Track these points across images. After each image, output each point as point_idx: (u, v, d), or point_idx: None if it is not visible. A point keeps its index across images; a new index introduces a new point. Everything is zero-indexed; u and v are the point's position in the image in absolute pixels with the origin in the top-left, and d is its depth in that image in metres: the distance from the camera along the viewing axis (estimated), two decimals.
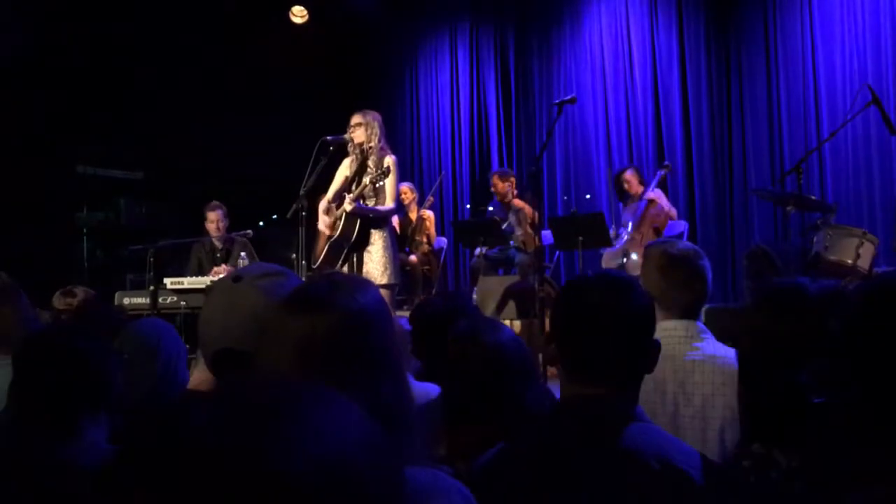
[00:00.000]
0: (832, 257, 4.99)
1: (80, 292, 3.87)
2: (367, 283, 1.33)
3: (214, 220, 6.59)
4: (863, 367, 1.01)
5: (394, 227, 5.38)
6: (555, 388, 2.44)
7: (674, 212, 6.97)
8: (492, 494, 1.40)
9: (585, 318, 1.46)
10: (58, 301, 3.81)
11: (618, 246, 6.82)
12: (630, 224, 6.91)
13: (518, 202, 7.31)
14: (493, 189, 7.54)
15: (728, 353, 2.17)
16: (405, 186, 7.99)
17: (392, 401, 1.20)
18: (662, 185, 7.19)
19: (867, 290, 1.08)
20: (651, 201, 6.86)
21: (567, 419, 1.45)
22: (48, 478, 1.67)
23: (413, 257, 7.94)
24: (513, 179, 7.53)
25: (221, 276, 5.37)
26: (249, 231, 6.72)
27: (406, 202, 8.01)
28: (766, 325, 1.50)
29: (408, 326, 2.86)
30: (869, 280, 1.11)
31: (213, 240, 6.65)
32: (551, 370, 5.87)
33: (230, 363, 1.41)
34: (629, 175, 7.11)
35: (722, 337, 2.37)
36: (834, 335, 1.09)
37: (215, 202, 6.67)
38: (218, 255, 6.65)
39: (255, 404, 0.52)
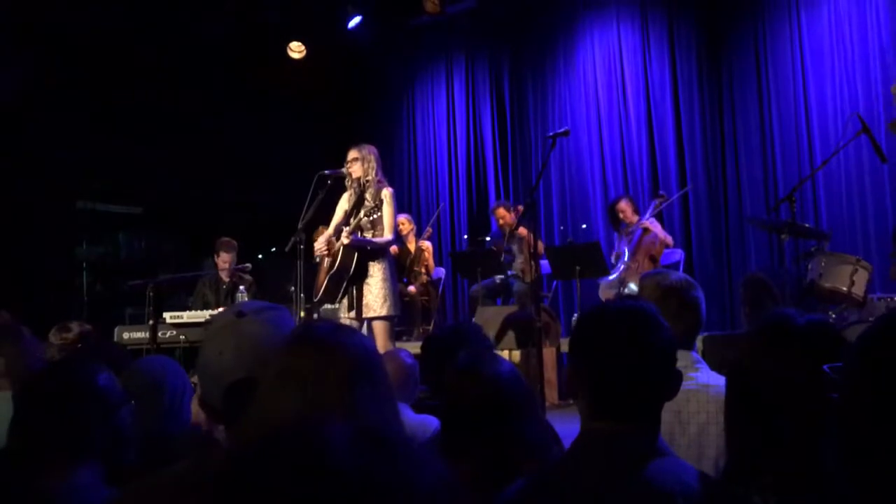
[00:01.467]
0: (827, 284, 5.02)
1: (76, 327, 3.91)
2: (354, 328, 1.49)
3: (227, 261, 6.82)
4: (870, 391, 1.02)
5: (393, 259, 5.41)
6: (553, 419, 2.46)
7: (670, 239, 7.02)
8: None
9: (608, 353, 1.43)
10: (53, 336, 3.85)
11: (614, 275, 6.86)
12: (626, 253, 6.96)
13: (522, 231, 7.36)
14: (501, 221, 7.62)
15: (721, 381, 2.19)
16: (403, 217, 8.05)
17: (386, 424, 1.30)
18: (658, 214, 7.25)
19: (867, 338, 1.09)
20: (645, 229, 6.91)
21: (590, 455, 1.43)
22: None
23: (412, 288, 7.98)
24: (517, 209, 7.64)
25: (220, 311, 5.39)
26: (248, 265, 6.79)
27: (404, 233, 8.07)
28: (752, 358, 1.52)
29: (408, 360, 2.90)
30: (869, 328, 1.10)
31: (221, 274, 6.77)
32: (550, 401, 5.89)
33: (245, 392, 1.46)
34: (623, 204, 7.17)
35: (720, 366, 2.39)
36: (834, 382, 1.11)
37: (232, 242, 6.87)
38: (224, 287, 6.75)
39: (374, 432, 0.60)
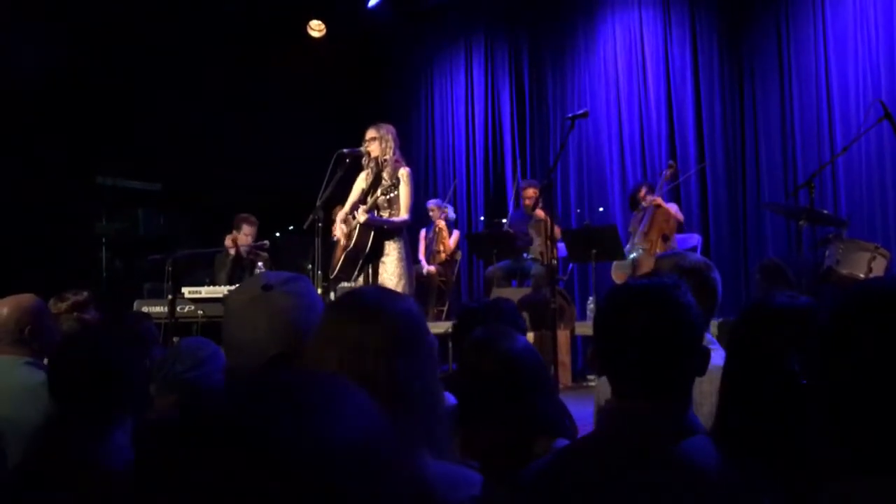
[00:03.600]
0: (844, 271, 5.00)
1: (70, 296, 4.06)
2: (406, 295, 1.52)
3: (249, 234, 6.80)
4: (833, 369, 1.05)
5: (408, 239, 5.44)
6: (566, 401, 2.48)
7: (681, 216, 7.00)
8: None
9: (633, 335, 1.41)
10: (52, 306, 3.99)
11: (629, 257, 6.85)
12: (638, 232, 6.95)
13: (540, 213, 7.35)
14: (528, 201, 7.58)
15: None
16: (433, 205, 8.29)
17: (427, 394, 1.30)
18: (676, 196, 7.22)
19: (842, 300, 1.11)
20: (658, 206, 6.88)
21: (620, 433, 1.43)
22: (78, 477, 1.73)
23: (432, 268, 8.06)
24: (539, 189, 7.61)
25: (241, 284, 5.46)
26: (266, 242, 6.81)
27: (435, 218, 8.20)
28: (734, 337, 1.56)
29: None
30: (846, 291, 1.13)
31: (241, 250, 6.77)
32: (563, 383, 5.91)
33: (284, 367, 1.47)
34: (645, 192, 7.16)
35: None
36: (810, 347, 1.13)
37: (252, 217, 6.86)
38: (244, 263, 6.77)
39: (290, 390, 0.56)
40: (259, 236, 6.94)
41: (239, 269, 6.76)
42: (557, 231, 7.18)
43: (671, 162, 7.41)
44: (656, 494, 1.34)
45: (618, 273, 6.80)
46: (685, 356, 1.43)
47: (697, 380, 2.17)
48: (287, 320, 1.52)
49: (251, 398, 0.55)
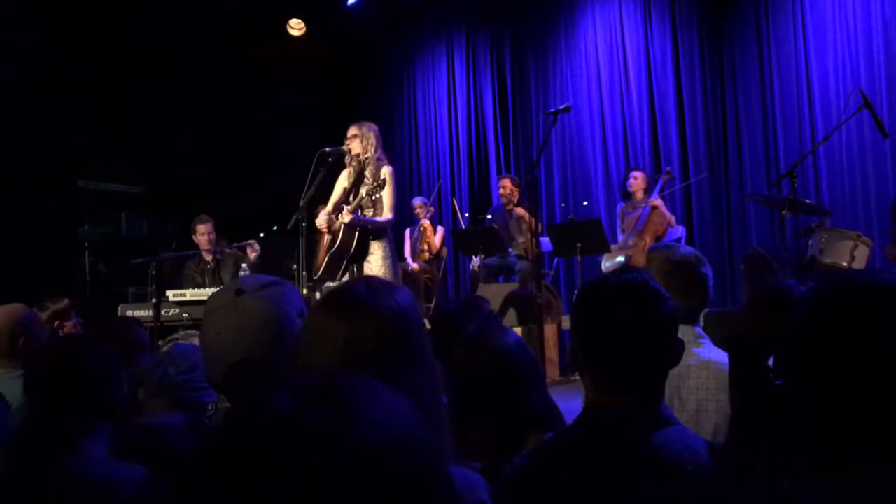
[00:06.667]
0: (827, 260, 5.03)
1: (50, 305, 4.01)
2: (400, 285, 1.42)
3: (205, 233, 6.57)
4: (808, 366, 1.05)
5: (393, 237, 5.42)
6: (554, 395, 2.48)
7: (673, 219, 7.04)
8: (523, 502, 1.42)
9: (608, 327, 1.43)
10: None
11: (620, 258, 6.85)
12: (633, 230, 6.95)
13: (519, 210, 7.37)
14: (502, 191, 7.56)
15: (723, 358, 2.20)
16: (418, 203, 8.36)
17: (427, 397, 1.26)
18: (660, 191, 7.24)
19: (817, 290, 1.11)
20: (654, 208, 6.90)
21: (595, 427, 1.44)
22: (48, 488, 1.71)
23: (416, 265, 8.05)
24: (519, 187, 7.60)
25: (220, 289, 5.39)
26: (254, 242, 6.74)
27: (421, 216, 8.19)
28: (754, 326, 1.55)
29: None
30: (822, 281, 1.13)
31: (203, 253, 6.65)
32: (551, 378, 5.92)
33: (247, 373, 1.45)
34: (638, 173, 7.17)
35: (719, 342, 2.40)
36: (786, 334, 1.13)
37: (203, 215, 6.66)
38: (209, 266, 6.65)
39: (330, 392, 0.57)
40: (243, 236, 6.83)
41: (206, 269, 6.64)
42: (532, 222, 7.21)
43: (669, 168, 7.42)
44: (634, 486, 1.35)
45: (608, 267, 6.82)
46: (659, 351, 1.44)
47: (684, 374, 2.19)
48: (253, 327, 1.48)
49: (301, 404, 0.56)
